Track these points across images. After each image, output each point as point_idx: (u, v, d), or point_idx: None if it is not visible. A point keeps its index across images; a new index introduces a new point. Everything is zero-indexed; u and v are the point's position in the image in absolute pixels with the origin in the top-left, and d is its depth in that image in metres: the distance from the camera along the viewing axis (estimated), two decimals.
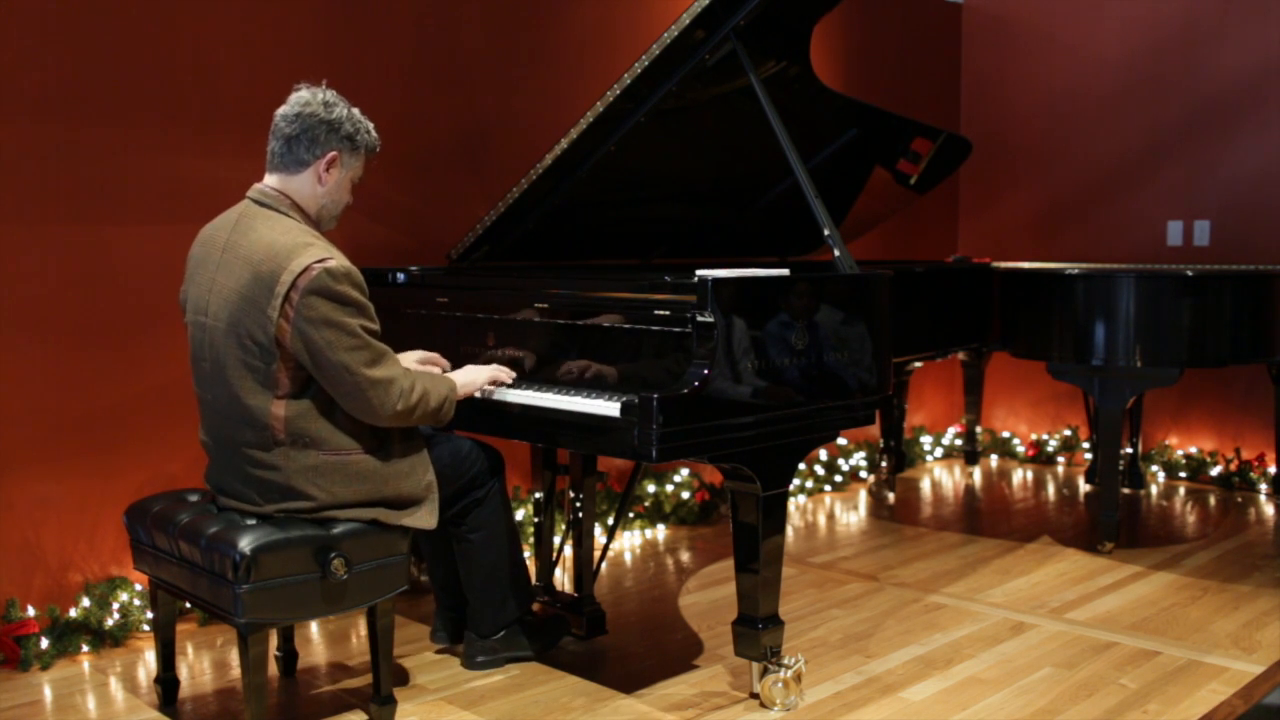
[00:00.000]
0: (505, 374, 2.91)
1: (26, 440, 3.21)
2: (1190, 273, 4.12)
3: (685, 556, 4.26)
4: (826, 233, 3.03)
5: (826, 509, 5.07)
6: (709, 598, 3.73)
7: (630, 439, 2.52)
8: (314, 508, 2.53)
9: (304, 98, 2.59)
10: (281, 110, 2.60)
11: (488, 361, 3.08)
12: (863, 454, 5.63)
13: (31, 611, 3.18)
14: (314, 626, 3.43)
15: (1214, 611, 3.57)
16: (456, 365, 3.00)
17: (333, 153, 2.59)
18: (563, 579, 3.66)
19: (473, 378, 2.84)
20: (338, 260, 2.46)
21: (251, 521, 2.51)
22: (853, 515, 4.96)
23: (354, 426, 2.55)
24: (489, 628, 3.03)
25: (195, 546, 2.50)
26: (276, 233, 2.50)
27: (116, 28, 3.30)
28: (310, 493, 2.51)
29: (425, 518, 2.65)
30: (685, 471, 4.76)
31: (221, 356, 2.51)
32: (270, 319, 2.42)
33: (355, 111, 2.66)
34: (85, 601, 3.25)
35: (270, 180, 2.61)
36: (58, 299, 3.25)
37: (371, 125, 2.69)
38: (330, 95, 2.62)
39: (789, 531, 4.62)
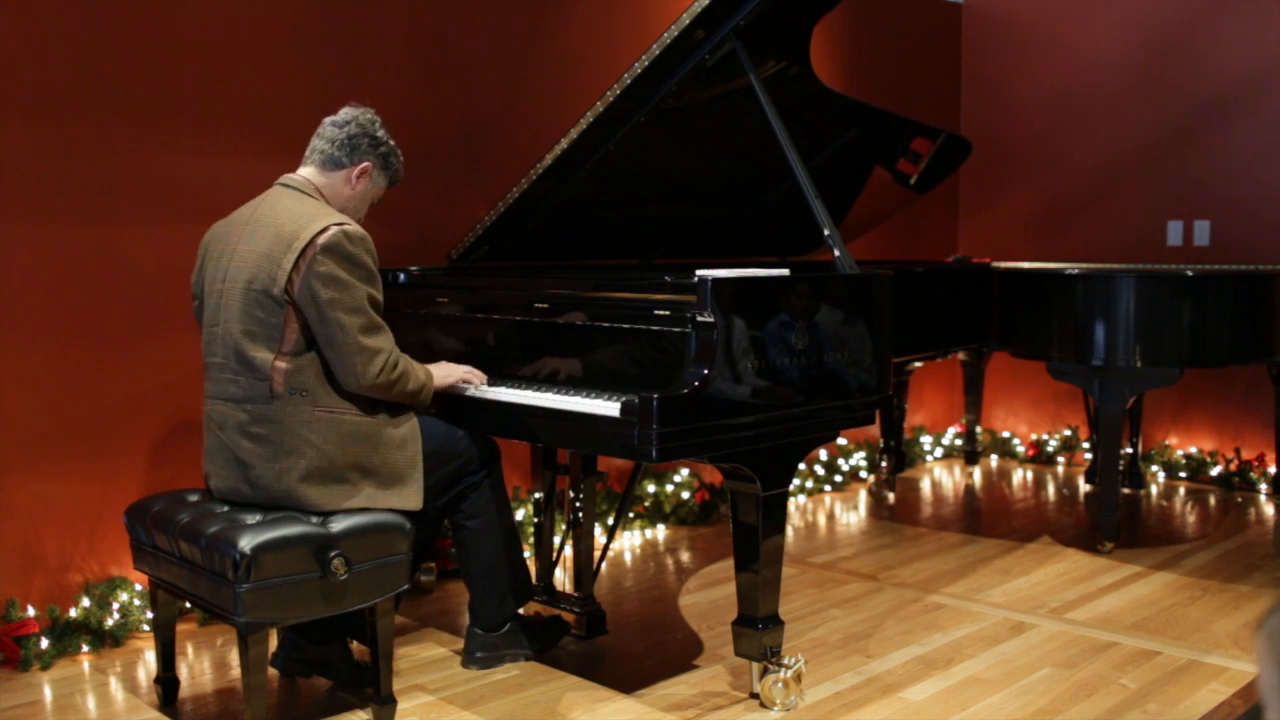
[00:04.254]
0: (477, 376, 2.97)
1: (26, 440, 3.21)
2: (1190, 273, 4.12)
3: (685, 556, 4.26)
4: (826, 233, 3.03)
5: (826, 509, 5.07)
6: (709, 598, 3.73)
7: (630, 439, 2.52)
8: (304, 470, 2.55)
9: (356, 112, 2.82)
10: (332, 117, 2.81)
11: (487, 361, 3.09)
12: (863, 454, 5.63)
13: (31, 611, 3.18)
14: None
15: (1214, 611, 3.57)
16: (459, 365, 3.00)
17: (367, 163, 2.80)
18: (563, 579, 3.66)
19: (447, 371, 2.94)
20: (355, 226, 2.62)
21: (252, 520, 2.51)
22: (853, 515, 4.97)
23: (350, 391, 2.64)
24: (492, 621, 3.05)
25: (195, 546, 2.50)
26: (303, 205, 2.67)
27: (116, 27, 3.30)
28: (302, 448, 2.56)
29: (411, 497, 2.69)
30: (685, 471, 4.76)
31: (233, 314, 2.60)
32: (284, 271, 2.55)
33: (394, 144, 2.87)
34: (85, 601, 3.25)
35: (304, 172, 2.79)
36: (58, 299, 3.25)
37: (402, 161, 2.89)
38: (379, 120, 2.84)
39: (789, 531, 4.62)
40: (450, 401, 2.97)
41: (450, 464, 2.89)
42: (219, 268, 2.68)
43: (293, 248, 2.55)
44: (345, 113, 2.80)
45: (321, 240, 2.54)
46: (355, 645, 3.00)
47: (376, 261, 2.64)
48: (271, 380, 2.57)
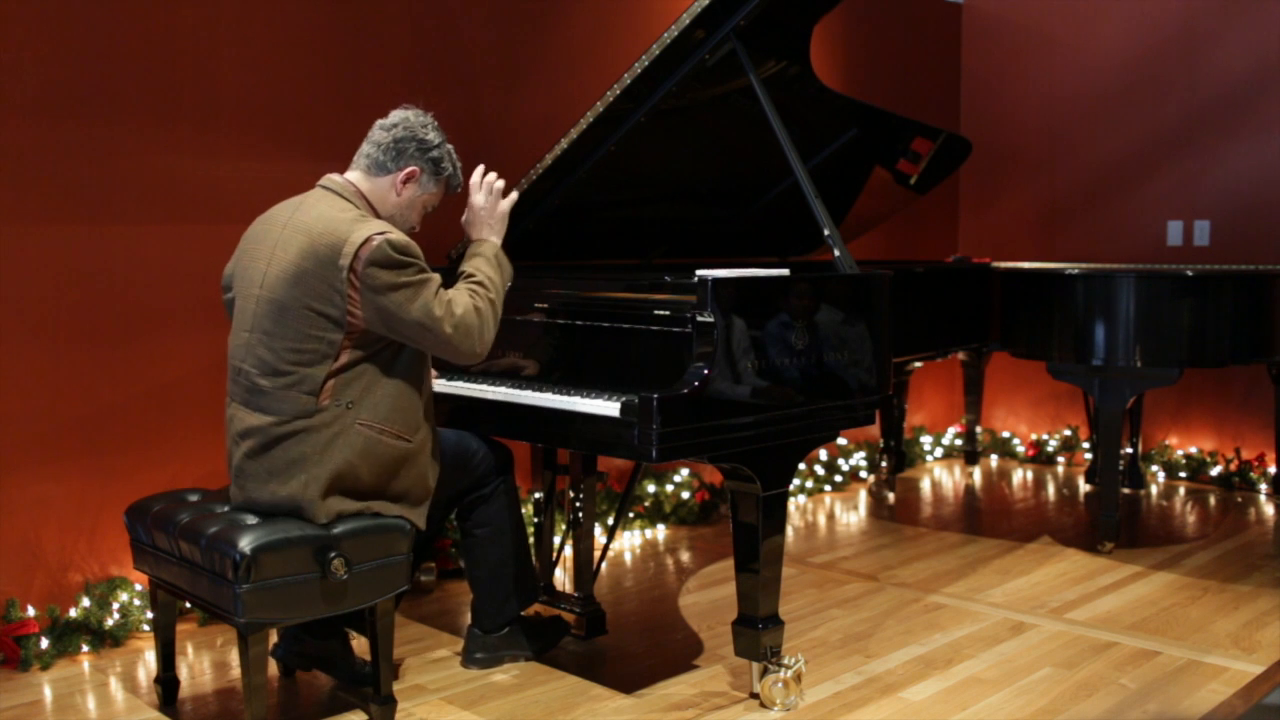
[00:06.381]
0: (496, 183, 2.87)
1: (26, 440, 3.21)
2: (1190, 273, 4.12)
3: (685, 556, 4.26)
4: (826, 233, 3.03)
5: (826, 509, 5.08)
6: (709, 598, 3.73)
7: (630, 439, 2.52)
8: (328, 482, 2.50)
9: (406, 114, 2.71)
10: (382, 119, 2.71)
11: (486, 361, 3.08)
12: (863, 454, 5.63)
13: (31, 611, 3.18)
14: None
15: (1214, 611, 3.57)
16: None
17: (413, 168, 2.68)
18: (563, 579, 3.66)
19: (500, 224, 2.85)
20: (397, 234, 2.53)
21: (252, 521, 2.51)
22: (853, 515, 4.97)
23: (391, 411, 2.57)
24: (492, 624, 3.05)
25: (195, 546, 2.50)
26: (337, 210, 2.58)
27: (115, 27, 3.30)
28: (334, 459, 2.50)
29: (416, 517, 2.67)
30: (685, 471, 4.77)
31: (275, 326, 2.53)
32: (340, 293, 2.47)
33: (450, 148, 2.76)
34: (85, 601, 3.25)
35: (350, 175, 2.70)
36: (58, 299, 3.25)
37: (460, 166, 2.79)
38: (431, 122, 2.73)
39: (789, 531, 4.62)
40: (452, 403, 2.96)
41: (464, 480, 2.88)
42: (256, 271, 2.60)
43: (340, 265, 2.46)
44: (395, 115, 2.70)
45: (365, 254, 2.45)
46: (355, 643, 3.01)
47: (422, 258, 2.55)
48: (317, 396, 2.51)
